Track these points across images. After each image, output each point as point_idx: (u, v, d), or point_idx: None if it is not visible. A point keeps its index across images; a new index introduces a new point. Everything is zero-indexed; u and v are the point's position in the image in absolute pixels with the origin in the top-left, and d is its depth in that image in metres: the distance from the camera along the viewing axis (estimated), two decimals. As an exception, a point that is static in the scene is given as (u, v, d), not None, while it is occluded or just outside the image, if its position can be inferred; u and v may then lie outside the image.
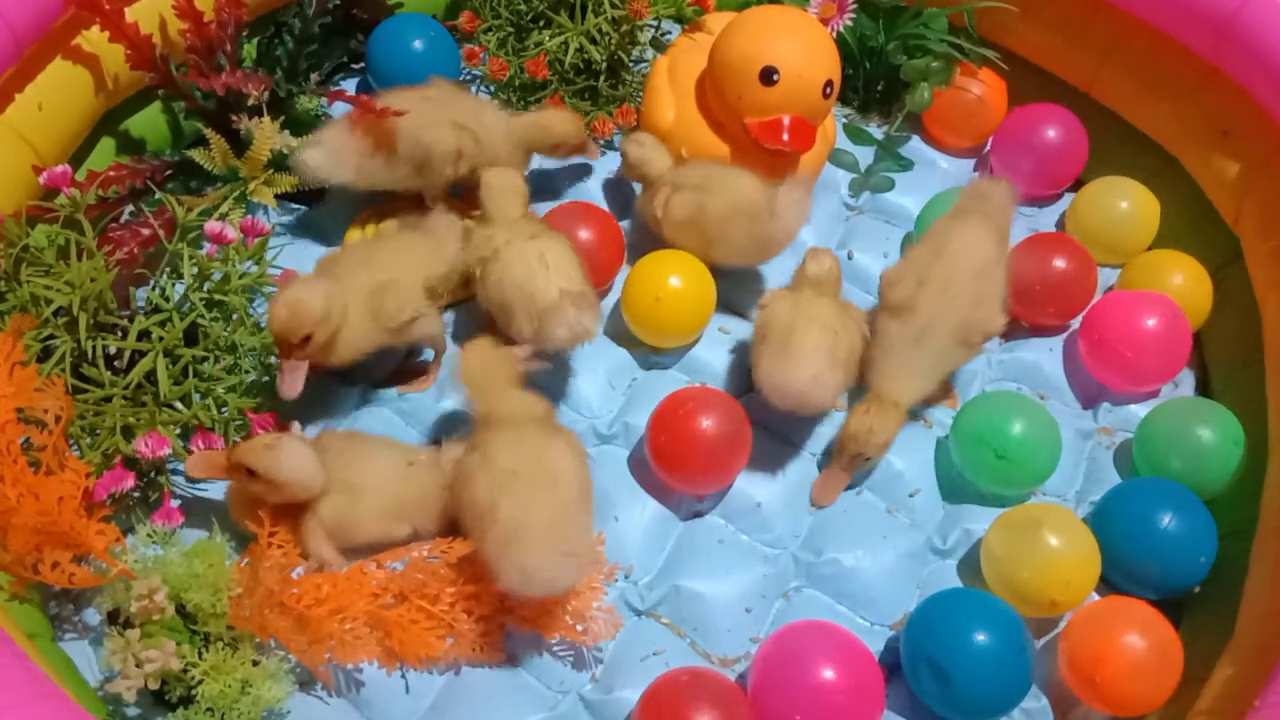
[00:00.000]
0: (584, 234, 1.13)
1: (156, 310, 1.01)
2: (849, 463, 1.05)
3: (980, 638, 0.92)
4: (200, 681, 0.87)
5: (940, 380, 1.09)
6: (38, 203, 1.05)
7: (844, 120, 1.35)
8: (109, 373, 0.98)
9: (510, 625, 0.96)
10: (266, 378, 1.05)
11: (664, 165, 1.17)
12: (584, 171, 1.27)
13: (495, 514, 0.88)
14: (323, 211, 1.21)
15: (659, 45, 1.32)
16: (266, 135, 1.12)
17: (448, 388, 1.10)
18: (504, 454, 0.91)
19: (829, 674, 0.90)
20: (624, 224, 1.22)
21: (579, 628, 0.95)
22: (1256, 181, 1.14)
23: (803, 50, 1.12)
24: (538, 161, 1.25)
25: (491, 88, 1.30)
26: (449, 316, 1.15)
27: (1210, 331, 1.20)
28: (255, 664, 0.89)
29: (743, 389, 1.14)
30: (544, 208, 1.19)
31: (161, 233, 1.06)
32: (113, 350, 0.99)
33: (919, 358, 1.06)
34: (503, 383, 0.96)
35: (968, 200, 1.12)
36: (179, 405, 0.99)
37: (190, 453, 0.96)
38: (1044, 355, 1.18)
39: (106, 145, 1.17)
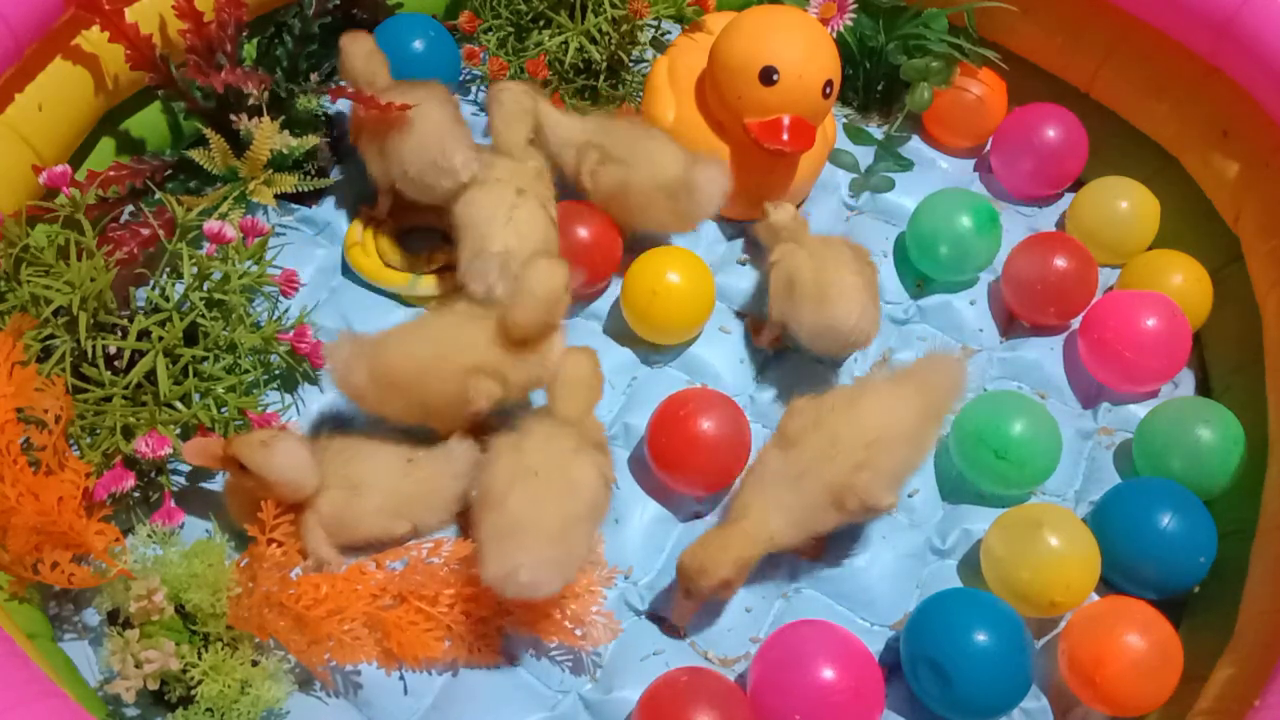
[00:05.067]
0: (581, 232, 1.13)
1: (156, 310, 1.01)
2: (686, 592, 0.95)
3: (980, 638, 0.92)
4: (200, 682, 0.87)
5: (808, 536, 0.98)
6: (38, 203, 1.05)
7: (844, 120, 1.34)
8: (109, 373, 0.98)
9: (508, 627, 0.96)
10: (266, 376, 1.06)
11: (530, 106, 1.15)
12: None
13: (504, 502, 0.90)
14: (322, 211, 1.21)
15: (659, 45, 1.32)
16: (266, 135, 1.12)
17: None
18: (533, 450, 0.93)
19: (829, 674, 0.90)
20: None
21: (577, 632, 0.95)
22: (1256, 181, 1.14)
23: (802, 50, 1.12)
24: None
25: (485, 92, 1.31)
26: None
27: (1210, 331, 1.20)
28: (254, 664, 0.89)
29: (744, 388, 1.14)
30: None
31: (161, 232, 1.06)
32: (113, 350, 0.99)
33: (790, 501, 0.96)
34: (588, 398, 0.99)
35: (917, 366, 1.03)
36: (179, 405, 0.99)
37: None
38: (1044, 355, 1.18)
39: (106, 145, 1.17)
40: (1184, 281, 1.18)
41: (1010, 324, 1.22)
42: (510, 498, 0.90)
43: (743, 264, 1.22)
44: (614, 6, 1.24)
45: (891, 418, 0.97)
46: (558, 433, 0.96)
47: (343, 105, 1.25)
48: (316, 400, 1.09)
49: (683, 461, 1.02)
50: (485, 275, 1.05)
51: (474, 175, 1.09)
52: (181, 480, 1.02)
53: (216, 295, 1.02)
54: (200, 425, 0.98)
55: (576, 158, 1.16)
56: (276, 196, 1.16)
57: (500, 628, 0.96)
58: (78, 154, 1.14)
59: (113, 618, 0.91)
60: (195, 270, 1.02)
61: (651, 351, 1.16)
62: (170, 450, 0.94)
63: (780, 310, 1.10)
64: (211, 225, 1.02)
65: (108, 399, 0.97)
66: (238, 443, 0.91)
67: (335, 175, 1.22)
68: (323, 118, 1.22)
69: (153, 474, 0.99)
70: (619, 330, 1.16)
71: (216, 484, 1.02)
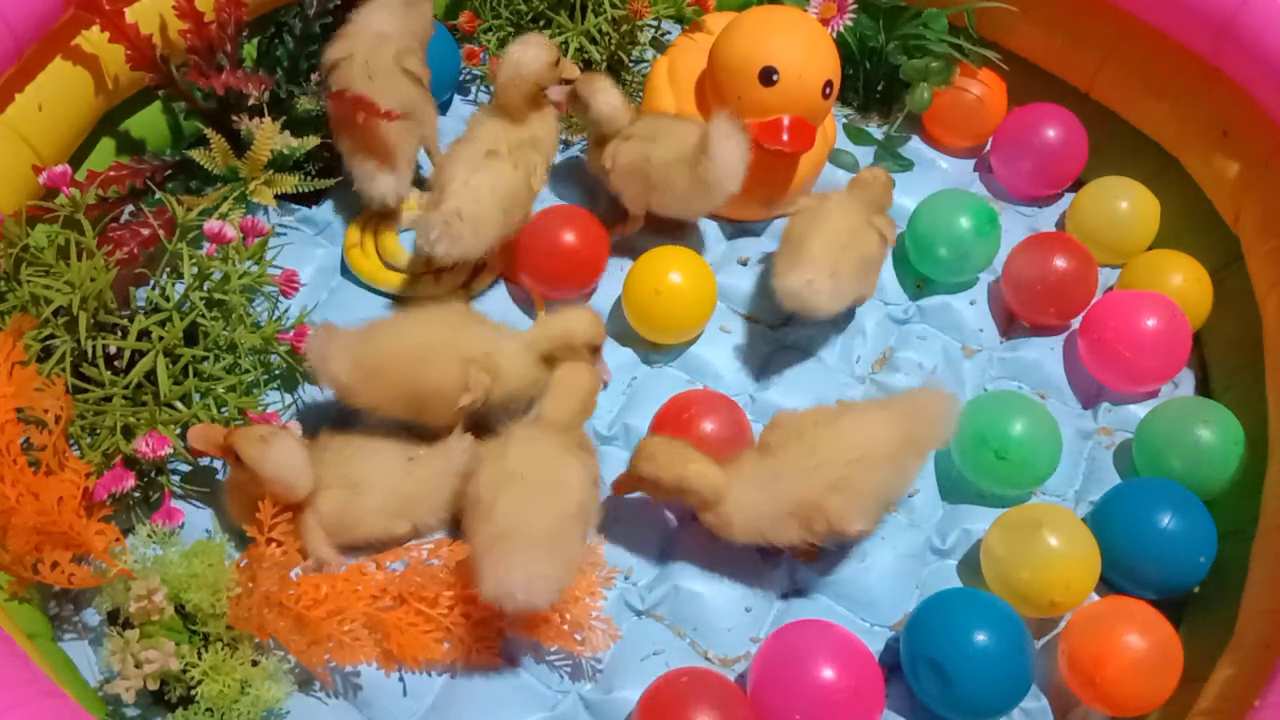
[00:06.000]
0: (569, 237, 1.13)
1: (156, 310, 1.01)
2: (628, 476, 0.98)
3: (980, 638, 0.92)
4: (199, 682, 0.87)
5: (757, 539, 0.97)
6: (38, 203, 1.05)
7: (844, 120, 1.35)
8: (109, 372, 0.98)
9: (508, 629, 0.96)
10: (266, 376, 1.06)
11: (625, 121, 1.17)
12: (570, 172, 1.27)
13: (492, 511, 0.90)
14: (322, 211, 1.21)
15: (659, 45, 1.32)
16: (267, 136, 1.12)
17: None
18: (517, 455, 0.93)
19: (829, 674, 0.90)
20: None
21: (577, 637, 0.95)
22: (1256, 181, 1.14)
23: (802, 50, 1.12)
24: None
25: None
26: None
27: (1210, 331, 1.20)
28: (254, 664, 0.89)
29: (744, 388, 1.14)
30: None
31: (161, 232, 1.06)
32: (113, 350, 0.99)
33: (753, 501, 0.95)
34: (579, 408, 1.00)
35: (905, 395, 1.02)
36: (179, 405, 0.99)
37: (190, 453, 0.96)
38: (1045, 354, 1.18)
39: (106, 145, 1.17)
40: (1184, 281, 1.18)
41: (1010, 324, 1.22)
42: (498, 506, 0.90)
43: (743, 264, 1.22)
44: (614, 6, 1.24)
45: (874, 438, 0.96)
46: (541, 437, 0.96)
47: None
48: (316, 400, 1.09)
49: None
50: (427, 232, 1.05)
51: (400, 200, 1.14)
52: (181, 480, 1.02)
53: (217, 295, 1.02)
54: (200, 425, 0.98)
55: (605, 148, 1.16)
56: (277, 197, 1.16)
57: (500, 629, 0.96)
58: (78, 154, 1.14)
59: (113, 618, 0.91)
60: (195, 270, 1.02)
61: (651, 351, 1.16)
62: (170, 450, 0.94)
63: (774, 256, 1.13)
64: (212, 225, 1.02)
65: (108, 399, 0.97)
66: (238, 435, 0.91)
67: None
68: (324, 118, 1.22)
69: (153, 474, 0.99)
70: (619, 330, 1.16)
71: (217, 484, 1.02)
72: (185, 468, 1.02)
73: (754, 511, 0.95)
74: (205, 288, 1.03)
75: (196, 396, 1.00)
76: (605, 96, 1.15)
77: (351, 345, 0.98)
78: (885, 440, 0.96)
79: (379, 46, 1.14)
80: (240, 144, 1.14)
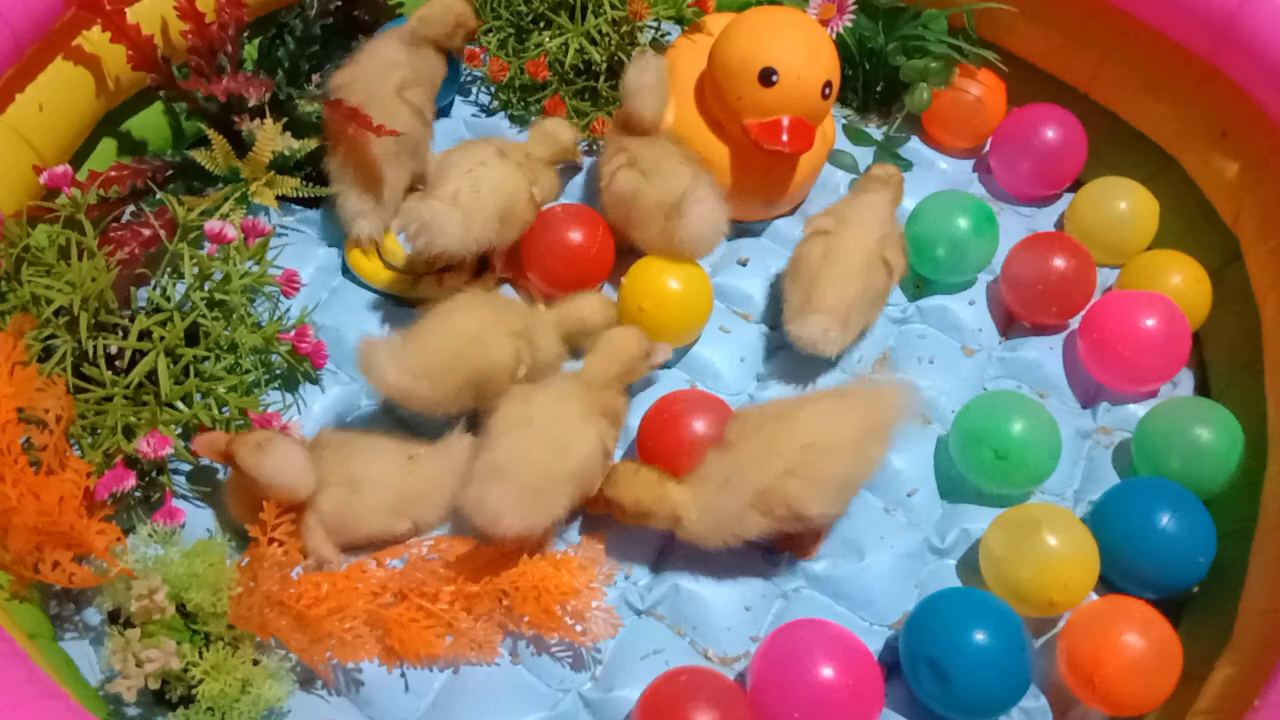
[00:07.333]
0: (575, 235, 1.13)
1: (157, 310, 1.02)
2: (599, 497, 1.00)
3: (979, 637, 0.92)
4: (200, 681, 0.87)
5: (729, 538, 0.97)
6: (39, 203, 1.05)
7: (844, 121, 1.35)
8: (110, 372, 0.98)
9: (509, 624, 0.96)
10: (267, 376, 1.06)
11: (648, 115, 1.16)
12: (576, 171, 1.27)
13: (496, 444, 0.94)
14: (323, 213, 1.21)
15: (659, 46, 1.32)
16: (268, 137, 1.12)
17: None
18: (539, 403, 0.97)
19: (828, 672, 0.90)
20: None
21: (578, 628, 0.96)
22: (1256, 181, 1.14)
23: (801, 51, 1.12)
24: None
25: (492, 88, 1.31)
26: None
27: (1210, 331, 1.20)
28: (256, 663, 0.90)
29: (744, 387, 1.14)
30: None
31: (162, 233, 1.07)
32: (114, 350, 0.99)
33: (715, 502, 0.96)
34: (619, 371, 1.03)
35: (859, 386, 1.03)
36: (180, 405, 0.99)
37: (191, 453, 0.97)
38: (1044, 354, 1.18)
39: (108, 145, 1.17)
40: (1183, 281, 1.18)
41: (1010, 324, 1.23)
42: (501, 442, 0.94)
43: (743, 264, 1.22)
44: (614, 8, 1.25)
45: (830, 424, 0.97)
46: (570, 394, 0.99)
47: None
48: (318, 400, 1.09)
49: (672, 462, 1.02)
50: (411, 222, 1.05)
51: (370, 238, 1.13)
52: (182, 480, 1.02)
53: (217, 295, 1.03)
54: (201, 425, 0.99)
55: (612, 150, 1.16)
56: (278, 198, 1.16)
57: (502, 625, 0.96)
58: (79, 154, 1.14)
59: (114, 617, 0.91)
60: (196, 270, 1.03)
61: (651, 351, 1.16)
62: (171, 450, 0.94)
63: (785, 285, 1.13)
64: (212, 225, 1.02)
65: (109, 399, 0.98)
66: (237, 441, 0.92)
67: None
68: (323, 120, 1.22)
69: (154, 474, 0.99)
70: (619, 330, 1.16)
71: (218, 484, 1.03)
72: (186, 467, 1.02)
73: (718, 514, 0.96)
74: (206, 288, 1.03)
75: (198, 396, 1.00)
76: (636, 73, 1.14)
77: (401, 354, 0.99)
78: (843, 427, 0.98)
79: (384, 73, 1.14)
80: (241, 144, 1.14)
